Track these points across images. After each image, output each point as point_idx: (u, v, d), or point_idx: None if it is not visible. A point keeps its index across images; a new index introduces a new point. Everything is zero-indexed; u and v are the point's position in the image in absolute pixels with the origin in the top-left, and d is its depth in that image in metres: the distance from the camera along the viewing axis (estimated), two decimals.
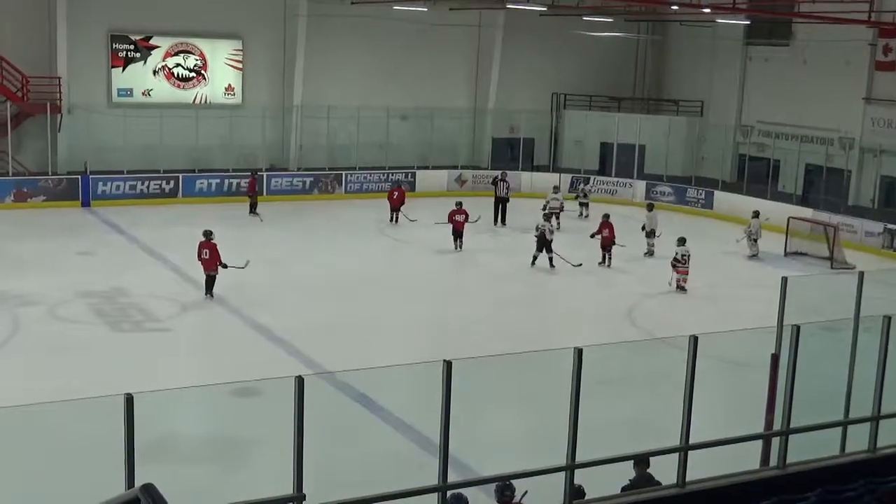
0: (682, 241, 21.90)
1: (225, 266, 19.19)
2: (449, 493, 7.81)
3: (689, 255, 21.65)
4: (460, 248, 25.05)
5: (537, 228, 23.59)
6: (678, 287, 21.62)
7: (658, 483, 8.33)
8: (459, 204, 25.60)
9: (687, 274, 21.64)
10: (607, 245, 23.63)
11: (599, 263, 23.63)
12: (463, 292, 21.00)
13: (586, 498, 7.59)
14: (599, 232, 23.87)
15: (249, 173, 29.68)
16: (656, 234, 24.72)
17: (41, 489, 10.53)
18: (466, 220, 25.25)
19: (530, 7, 30.91)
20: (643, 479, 8.64)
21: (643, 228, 24.93)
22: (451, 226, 25.19)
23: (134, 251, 23.51)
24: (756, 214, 25.77)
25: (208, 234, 19.46)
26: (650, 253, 24.61)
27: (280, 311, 18.56)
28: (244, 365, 15.06)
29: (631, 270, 23.61)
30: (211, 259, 19.21)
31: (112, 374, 14.47)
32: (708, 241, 24.60)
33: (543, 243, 23.35)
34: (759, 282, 21.56)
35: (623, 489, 8.28)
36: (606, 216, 24.21)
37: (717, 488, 7.58)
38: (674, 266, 21.74)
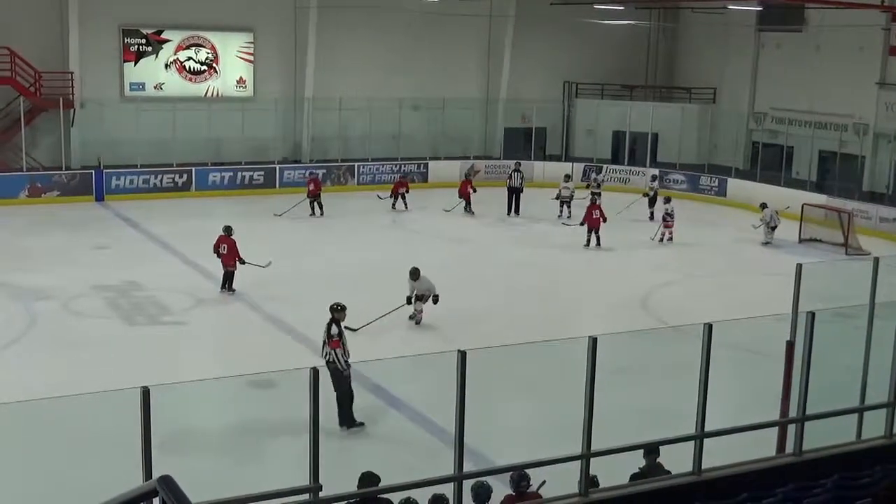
0: (668, 199, 25.51)
1: (244, 262, 19.23)
2: (474, 481, 7.83)
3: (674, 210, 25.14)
4: (406, 208, 28.38)
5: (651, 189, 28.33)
6: (668, 239, 24.83)
7: (667, 472, 8.33)
8: (404, 175, 30.15)
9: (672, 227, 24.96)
10: (595, 227, 24.13)
11: (585, 245, 24.06)
12: (477, 282, 20.97)
13: (603, 486, 7.60)
14: (588, 217, 24.36)
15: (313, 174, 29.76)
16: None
17: (59, 482, 10.59)
18: (407, 188, 28.93)
19: None
20: (652, 469, 8.64)
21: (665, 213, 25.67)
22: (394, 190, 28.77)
23: (148, 245, 23.59)
24: (764, 206, 25.65)
25: (228, 230, 19.41)
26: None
27: (294, 303, 18.58)
28: (259, 357, 15.11)
29: (644, 258, 23.59)
30: (229, 254, 19.21)
31: (128, 368, 14.52)
32: (722, 229, 24.52)
33: (654, 201, 27.45)
34: (773, 269, 21.50)
35: (632, 477, 8.28)
36: (593, 199, 24.92)
37: (733, 475, 7.59)
38: (665, 221, 24.86)
